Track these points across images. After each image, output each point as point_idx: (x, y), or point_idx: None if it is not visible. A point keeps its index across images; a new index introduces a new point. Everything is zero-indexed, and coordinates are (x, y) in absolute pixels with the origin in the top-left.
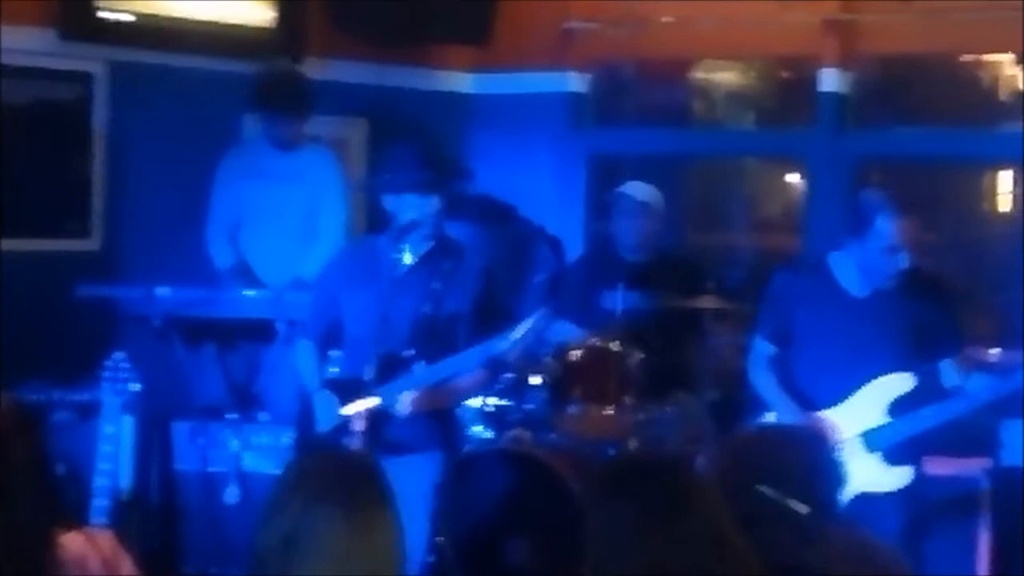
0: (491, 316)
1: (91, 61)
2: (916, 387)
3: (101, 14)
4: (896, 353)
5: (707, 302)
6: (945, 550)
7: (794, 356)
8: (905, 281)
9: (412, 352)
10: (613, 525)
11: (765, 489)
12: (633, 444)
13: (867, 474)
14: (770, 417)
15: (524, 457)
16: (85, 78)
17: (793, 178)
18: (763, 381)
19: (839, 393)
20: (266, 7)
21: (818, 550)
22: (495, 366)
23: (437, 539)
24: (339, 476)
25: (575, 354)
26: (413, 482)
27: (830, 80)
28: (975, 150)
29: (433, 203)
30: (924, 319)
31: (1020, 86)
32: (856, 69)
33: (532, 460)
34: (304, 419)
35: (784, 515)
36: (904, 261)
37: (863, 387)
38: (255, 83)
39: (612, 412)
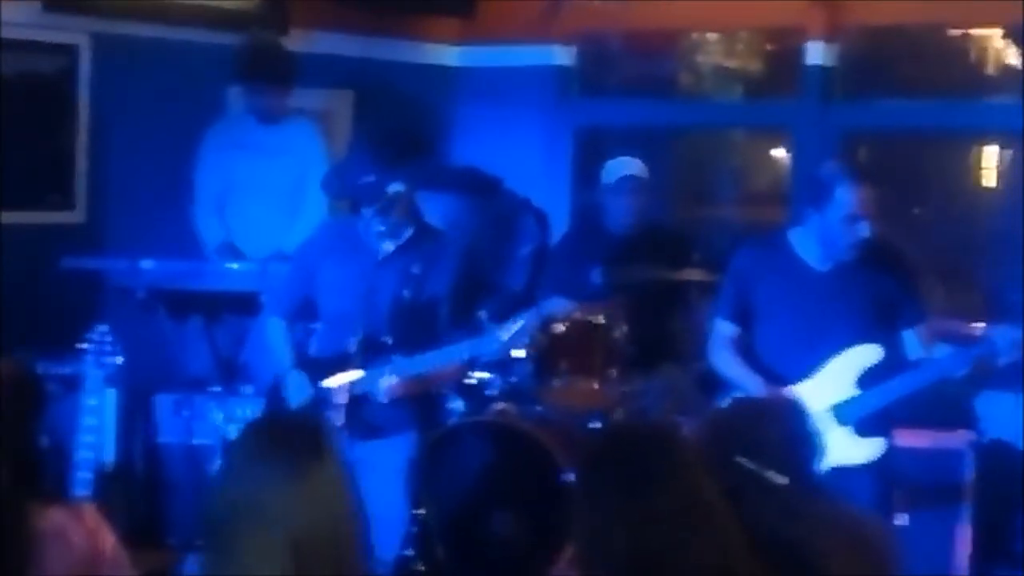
0: (469, 300)
1: (75, 33)
2: (884, 358)
3: None
4: (860, 325)
5: (693, 274)
6: (929, 522)
7: (757, 333)
8: (866, 252)
9: (390, 339)
10: (598, 495)
11: (744, 461)
12: (619, 416)
13: (839, 447)
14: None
15: (509, 429)
16: (69, 50)
17: (779, 150)
18: (726, 361)
19: (804, 368)
20: None
21: (799, 521)
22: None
23: (418, 512)
24: (277, 436)
25: (560, 327)
26: (388, 464)
27: (816, 52)
28: (961, 122)
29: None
30: (886, 290)
31: (1006, 59)
32: (842, 41)
33: (517, 432)
34: (274, 396)
35: (764, 486)
36: (864, 230)
37: (830, 360)
38: (237, 55)
39: (598, 384)
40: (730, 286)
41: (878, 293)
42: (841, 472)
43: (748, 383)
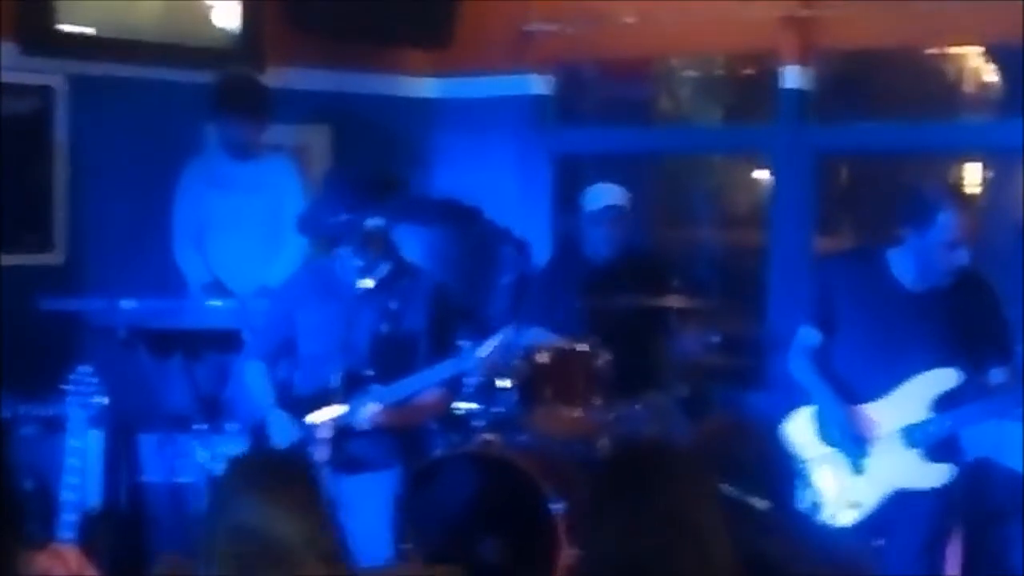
0: (446, 333)
1: (51, 75)
2: (961, 386)
3: (61, 27)
4: (944, 351)
5: (674, 300)
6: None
7: (839, 344)
8: (962, 280)
9: (371, 372)
10: (597, 508)
11: (723, 486)
12: (604, 443)
13: (905, 470)
14: (809, 408)
15: (493, 459)
16: (46, 92)
17: (757, 174)
18: (802, 368)
19: (881, 385)
20: (228, 18)
21: (776, 542)
22: (457, 384)
23: (404, 546)
24: (243, 478)
25: (543, 356)
26: (373, 498)
27: (791, 76)
28: (938, 143)
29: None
30: (976, 322)
31: (982, 78)
32: (817, 64)
33: (501, 462)
34: (259, 435)
35: (741, 508)
36: (964, 257)
37: (907, 381)
38: (213, 90)
39: (582, 412)
40: (818, 293)
41: (968, 323)
42: (904, 496)
43: (821, 394)
